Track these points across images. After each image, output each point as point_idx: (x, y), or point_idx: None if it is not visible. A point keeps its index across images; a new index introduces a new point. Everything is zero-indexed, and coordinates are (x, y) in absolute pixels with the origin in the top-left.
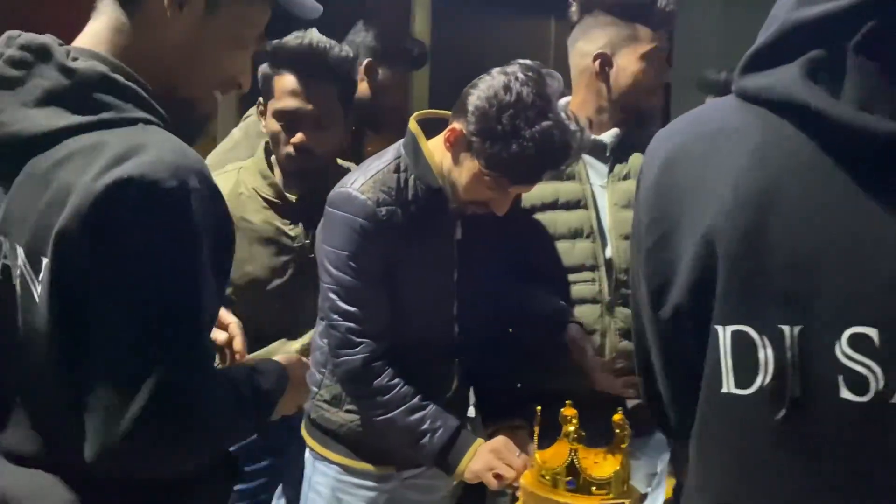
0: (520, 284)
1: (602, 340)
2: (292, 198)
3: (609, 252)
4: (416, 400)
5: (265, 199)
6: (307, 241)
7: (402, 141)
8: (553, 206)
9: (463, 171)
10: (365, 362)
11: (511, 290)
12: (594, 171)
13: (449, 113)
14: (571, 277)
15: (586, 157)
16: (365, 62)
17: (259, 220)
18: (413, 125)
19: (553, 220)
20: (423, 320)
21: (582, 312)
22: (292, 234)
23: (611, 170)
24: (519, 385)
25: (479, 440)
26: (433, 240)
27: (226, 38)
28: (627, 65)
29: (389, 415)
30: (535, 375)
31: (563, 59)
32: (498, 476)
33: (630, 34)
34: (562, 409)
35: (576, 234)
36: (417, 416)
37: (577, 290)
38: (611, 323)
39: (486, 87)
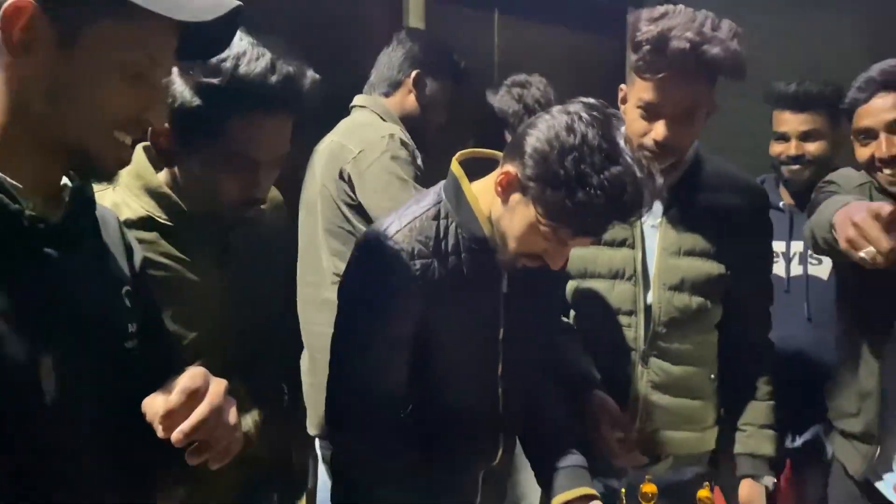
0: (553, 341)
1: (632, 390)
2: None
3: (650, 298)
4: None
5: None
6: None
7: (442, 183)
8: (596, 241)
9: (516, 220)
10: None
11: (546, 349)
12: (650, 211)
13: (494, 153)
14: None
15: None
16: (413, 74)
17: None
18: (455, 166)
19: (594, 257)
20: (464, 387)
21: (614, 359)
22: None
23: (666, 210)
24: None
25: None
26: (476, 295)
27: (101, 71)
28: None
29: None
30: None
31: (509, 53)
32: None
33: None
34: (641, 486)
35: (616, 275)
36: None
37: (611, 335)
38: (643, 374)
39: (545, 127)
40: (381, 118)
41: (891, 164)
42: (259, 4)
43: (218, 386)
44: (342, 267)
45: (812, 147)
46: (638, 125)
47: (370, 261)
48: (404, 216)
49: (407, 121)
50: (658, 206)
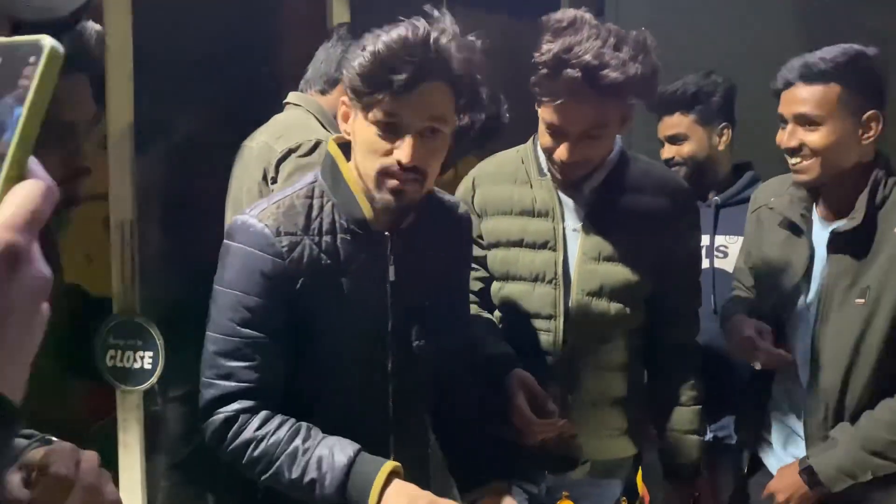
0: (463, 331)
1: (554, 397)
2: None
3: (571, 303)
4: (294, 444)
5: None
6: None
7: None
8: (518, 243)
9: (358, 142)
10: (228, 420)
11: (451, 339)
12: (570, 212)
13: None
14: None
15: (563, 196)
16: None
17: None
18: (332, 146)
19: (516, 259)
20: (349, 384)
21: (533, 364)
22: None
23: (587, 214)
24: (487, 440)
25: (387, 465)
26: (359, 282)
27: None
28: None
29: (270, 471)
30: (502, 428)
31: None
32: None
33: None
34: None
35: (537, 278)
36: (298, 467)
37: (530, 340)
38: (563, 379)
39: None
40: (316, 118)
41: (792, 153)
42: None
43: (89, 462)
44: None
45: (681, 149)
46: (546, 140)
47: (232, 241)
48: (273, 196)
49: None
50: (579, 210)
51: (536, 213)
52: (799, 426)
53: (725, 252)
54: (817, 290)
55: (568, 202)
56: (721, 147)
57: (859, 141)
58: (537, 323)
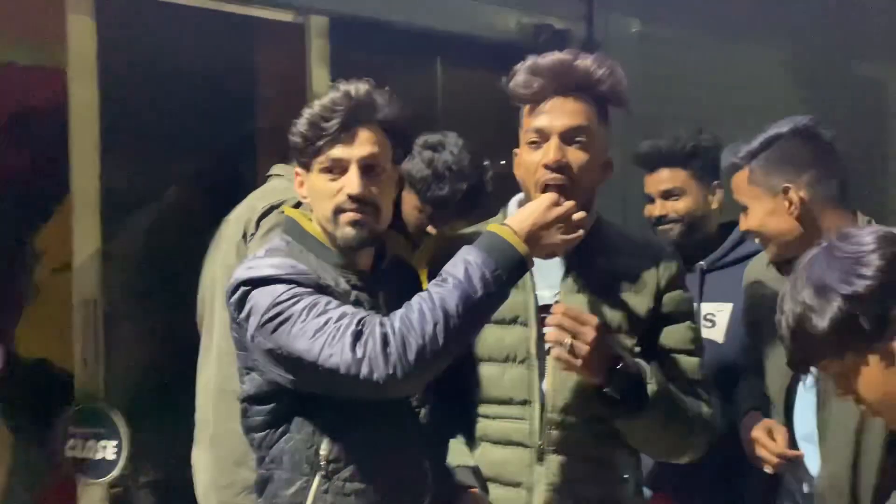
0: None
1: (528, 497)
2: None
3: (545, 384)
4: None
5: None
6: None
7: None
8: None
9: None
10: (356, 335)
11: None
12: (542, 280)
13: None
14: (496, 411)
15: (536, 262)
16: None
17: None
18: (289, 211)
19: (483, 338)
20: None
21: (505, 459)
22: None
23: (563, 280)
24: None
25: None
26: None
27: None
28: None
29: (441, 314)
30: None
31: (449, 102)
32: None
33: None
34: None
35: (507, 358)
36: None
37: (501, 430)
38: (541, 475)
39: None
40: None
41: (752, 235)
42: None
43: None
44: (227, 346)
45: (676, 205)
46: (529, 158)
47: (258, 274)
48: (257, 256)
49: None
50: (557, 274)
51: None
52: None
53: (713, 321)
54: (815, 373)
55: (541, 266)
56: (714, 205)
57: (786, 213)
58: (509, 410)
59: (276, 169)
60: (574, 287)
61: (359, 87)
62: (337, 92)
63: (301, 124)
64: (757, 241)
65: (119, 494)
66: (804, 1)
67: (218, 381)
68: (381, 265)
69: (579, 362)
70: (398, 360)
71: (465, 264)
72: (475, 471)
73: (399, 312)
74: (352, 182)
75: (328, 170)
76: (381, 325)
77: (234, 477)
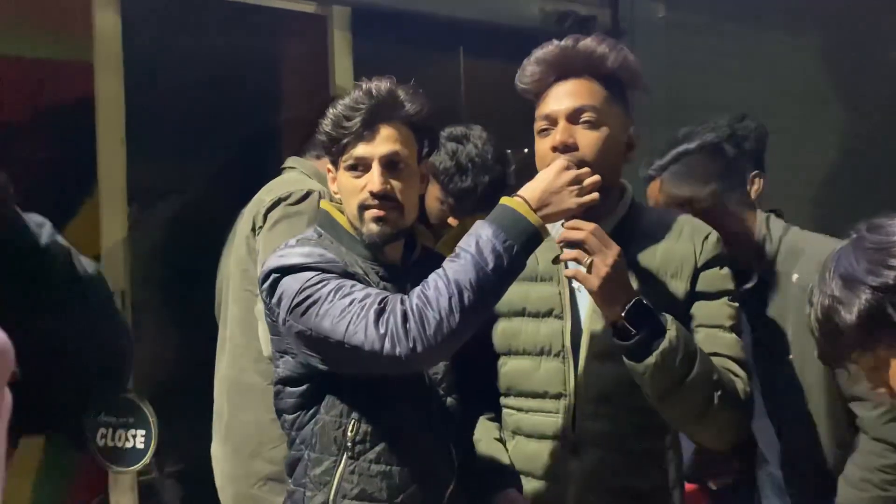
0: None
1: (563, 490)
2: None
3: (580, 376)
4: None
5: None
6: None
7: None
8: (521, 313)
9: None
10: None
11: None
12: (580, 269)
13: None
14: (530, 405)
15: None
16: None
17: None
18: (325, 204)
19: (518, 331)
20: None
21: (539, 452)
22: None
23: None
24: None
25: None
26: None
27: None
28: None
29: (455, 289)
30: None
31: (473, 91)
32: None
33: None
34: None
35: (542, 351)
36: (471, 261)
37: (535, 424)
38: (575, 468)
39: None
40: (309, 178)
41: None
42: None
43: None
44: (239, 339)
45: None
46: (542, 146)
47: (285, 262)
48: (287, 243)
49: None
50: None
51: (539, 277)
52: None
53: None
54: (752, 357)
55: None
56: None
57: None
58: (544, 404)
59: (290, 161)
60: None
61: (381, 86)
62: (359, 90)
63: (326, 123)
64: None
65: (147, 483)
66: None
67: (231, 373)
68: (411, 257)
69: (596, 281)
70: (418, 335)
71: (476, 238)
72: (510, 470)
73: (416, 290)
74: (374, 179)
75: (353, 167)
76: (402, 302)
77: (249, 468)
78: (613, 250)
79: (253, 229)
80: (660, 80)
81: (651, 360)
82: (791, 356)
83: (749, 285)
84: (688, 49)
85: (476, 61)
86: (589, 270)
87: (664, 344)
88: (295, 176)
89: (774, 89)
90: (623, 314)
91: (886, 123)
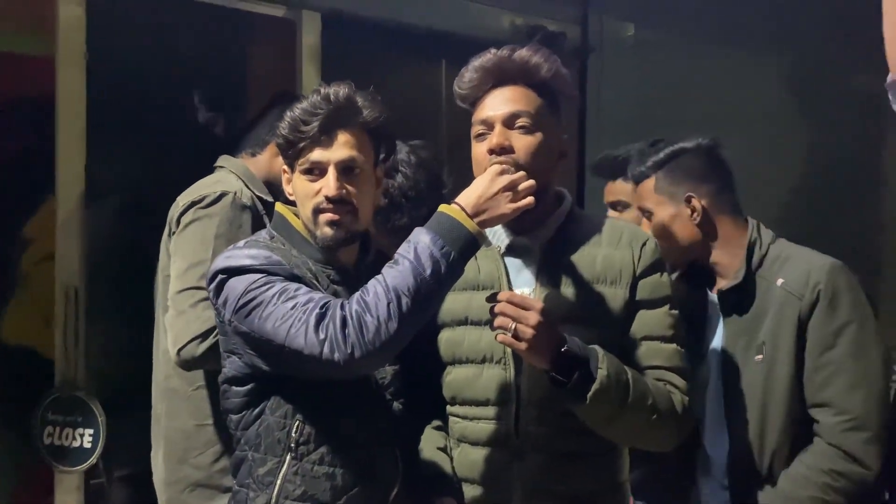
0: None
1: (508, 497)
2: None
3: (523, 382)
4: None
5: None
6: None
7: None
8: (463, 322)
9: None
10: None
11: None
12: (519, 278)
13: None
14: (474, 413)
15: (509, 260)
16: None
17: None
18: (280, 207)
19: (460, 341)
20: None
21: (484, 459)
22: None
23: (538, 274)
24: None
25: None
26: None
27: None
28: None
29: (397, 288)
30: None
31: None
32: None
33: None
34: None
35: (484, 359)
36: (408, 264)
37: (479, 431)
38: (520, 474)
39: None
40: (237, 177)
41: None
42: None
43: None
44: (164, 344)
45: (628, 215)
46: (478, 151)
47: (232, 263)
48: (236, 245)
49: (275, 183)
50: (529, 272)
51: (481, 286)
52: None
53: None
54: (718, 355)
55: (515, 264)
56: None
57: (688, 220)
58: (487, 411)
59: (221, 160)
60: (550, 283)
61: (339, 91)
62: (317, 95)
63: (283, 126)
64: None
65: (97, 487)
66: (801, 9)
67: (158, 378)
68: (365, 260)
69: (524, 346)
70: (356, 341)
71: (414, 244)
72: (449, 478)
73: (356, 295)
74: (330, 184)
75: (309, 171)
76: (342, 307)
77: (179, 474)
78: (534, 310)
79: (170, 234)
80: (628, 97)
81: (585, 402)
82: (759, 357)
83: (733, 283)
84: (656, 66)
85: (443, 71)
86: (515, 336)
87: (595, 386)
88: (218, 177)
89: (742, 107)
90: (553, 367)
91: (853, 142)
